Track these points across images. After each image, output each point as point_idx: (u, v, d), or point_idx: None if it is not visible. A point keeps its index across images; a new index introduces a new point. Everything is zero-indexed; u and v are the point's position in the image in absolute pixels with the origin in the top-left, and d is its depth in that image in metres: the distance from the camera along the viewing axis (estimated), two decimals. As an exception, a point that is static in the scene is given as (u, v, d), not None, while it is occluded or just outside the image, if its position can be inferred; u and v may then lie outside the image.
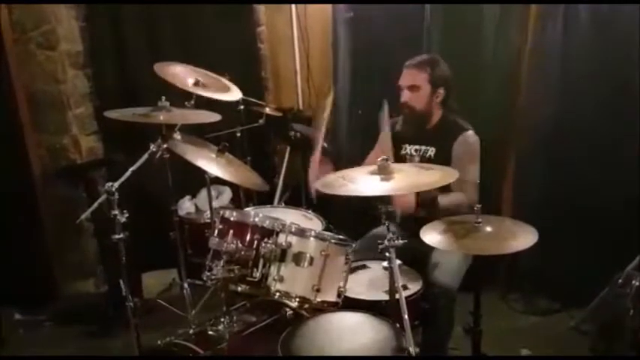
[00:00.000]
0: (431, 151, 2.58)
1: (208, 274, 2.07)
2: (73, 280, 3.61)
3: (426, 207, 2.36)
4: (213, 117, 2.49)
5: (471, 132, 2.54)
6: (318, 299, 2.03)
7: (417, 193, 2.34)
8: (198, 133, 2.75)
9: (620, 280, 2.72)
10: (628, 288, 2.67)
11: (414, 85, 2.52)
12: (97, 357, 3.02)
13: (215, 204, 3.10)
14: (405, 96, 2.54)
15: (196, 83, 2.75)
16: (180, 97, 2.72)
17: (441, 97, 2.57)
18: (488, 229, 1.96)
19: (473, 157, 2.52)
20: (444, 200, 2.39)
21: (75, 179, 3.44)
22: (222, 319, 2.08)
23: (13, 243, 3.35)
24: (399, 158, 2.61)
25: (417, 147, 2.62)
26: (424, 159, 2.58)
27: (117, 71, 3.56)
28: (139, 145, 2.37)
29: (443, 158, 2.49)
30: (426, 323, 2.28)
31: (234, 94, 2.96)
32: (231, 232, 2.06)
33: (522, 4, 3.18)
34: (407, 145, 2.66)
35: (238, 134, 3.49)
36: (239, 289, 2.05)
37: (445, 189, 2.25)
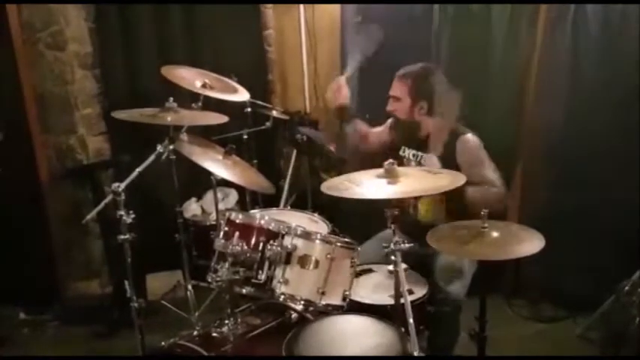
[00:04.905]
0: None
1: (213, 275, 2.07)
2: (78, 280, 3.61)
3: (454, 198, 2.30)
4: (221, 118, 2.50)
5: (468, 135, 2.51)
6: (323, 302, 2.03)
7: None
8: (205, 136, 2.77)
9: (626, 288, 2.71)
10: (634, 296, 2.66)
11: (395, 96, 2.58)
12: (101, 357, 3.02)
13: (221, 206, 3.11)
14: (389, 104, 2.61)
15: (204, 85, 2.76)
16: (188, 98, 2.73)
17: (425, 110, 2.55)
18: (495, 234, 1.95)
19: (478, 158, 2.48)
20: (470, 190, 2.33)
21: (81, 180, 3.44)
22: (226, 321, 2.07)
23: (19, 243, 3.36)
24: (397, 159, 2.60)
25: (415, 152, 2.63)
26: (420, 165, 2.56)
27: (125, 72, 3.56)
28: (146, 146, 2.37)
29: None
30: (431, 329, 2.26)
31: (242, 95, 2.96)
32: (237, 234, 2.06)
33: (532, 4, 3.16)
34: (405, 148, 2.67)
35: (245, 137, 3.49)
36: (244, 291, 2.05)
37: None
